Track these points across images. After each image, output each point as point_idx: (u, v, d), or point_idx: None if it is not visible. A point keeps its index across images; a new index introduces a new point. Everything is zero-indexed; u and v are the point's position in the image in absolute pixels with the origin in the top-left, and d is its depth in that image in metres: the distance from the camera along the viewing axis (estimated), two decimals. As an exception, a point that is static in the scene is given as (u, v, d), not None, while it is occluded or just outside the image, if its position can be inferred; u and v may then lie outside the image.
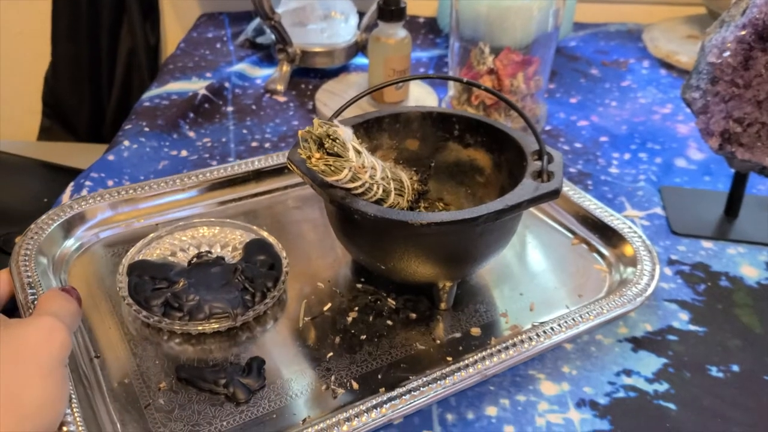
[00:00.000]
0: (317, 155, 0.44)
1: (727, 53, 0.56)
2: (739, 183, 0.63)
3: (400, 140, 0.59)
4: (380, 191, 0.48)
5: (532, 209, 0.64)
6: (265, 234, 0.57)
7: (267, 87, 0.85)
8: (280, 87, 0.85)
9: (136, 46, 1.05)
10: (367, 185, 0.46)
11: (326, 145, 0.44)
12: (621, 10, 1.10)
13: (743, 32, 0.55)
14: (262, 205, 0.64)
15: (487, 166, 0.57)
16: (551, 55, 0.73)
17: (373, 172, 0.47)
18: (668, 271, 0.58)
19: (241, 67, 0.90)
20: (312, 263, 0.57)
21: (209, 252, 0.55)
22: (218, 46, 0.98)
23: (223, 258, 0.54)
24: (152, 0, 1.05)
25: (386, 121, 0.58)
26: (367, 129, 0.57)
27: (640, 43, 1.00)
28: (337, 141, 0.44)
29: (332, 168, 0.44)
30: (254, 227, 0.58)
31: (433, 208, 0.59)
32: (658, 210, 0.65)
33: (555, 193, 0.47)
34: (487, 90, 0.52)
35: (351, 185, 0.45)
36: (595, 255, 0.59)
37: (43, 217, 0.56)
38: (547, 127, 0.79)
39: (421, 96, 0.82)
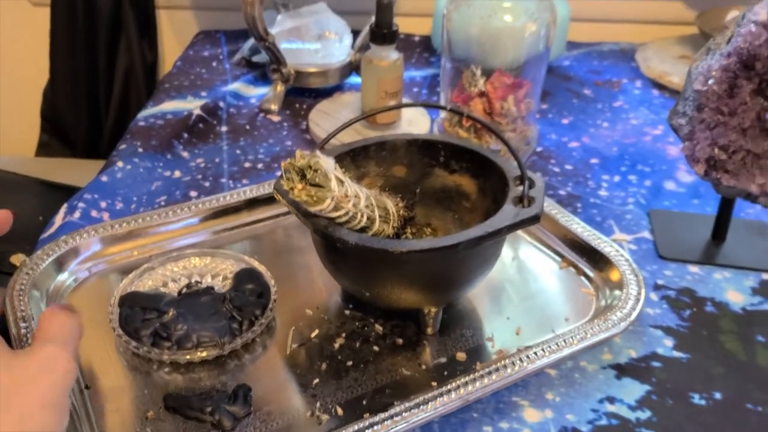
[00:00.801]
0: (299, 186, 0.44)
1: (713, 81, 0.57)
2: (725, 208, 0.63)
3: (387, 167, 0.59)
4: (364, 219, 0.48)
5: (520, 232, 0.65)
6: (255, 263, 0.58)
7: (261, 106, 0.86)
8: (274, 107, 0.85)
9: (134, 64, 1.06)
10: (350, 214, 0.47)
11: (308, 176, 0.44)
12: (615, 29, 1.11)
13: (728, 61, 0.56)
14: (254, 234, 0.64)
15: (472, 192, 0.58)
16: (542, 76, 0.74)
17: (356, 200, 0.47)
18: (654, 296, 0.58)
19: (236, 86, 0.91)
20: (301, 291, 0.58)
21: (199, 282, 0.55)
22: (214, 64, 0.99)
23: (212, 288, 0.55)
24: (149, 18, 1.06)
25: (372, 149, 0.58)
26: (354, 157, 0.58)
27: (633, 62, 1.01)
28: (319, 172, 0.44)
29: (314, 198, 0.45)
30: (244, 257, 0.58)
31: (421, 233, 0.60)
32: (646, 234, 0.66)
33: (535, 219, 0.48)
34: (469, 117, 0.53)
35: (334, 214, 0.46)
36: (583, 278, 0.60)
37: (38, 252, 0.57)
38: (539, 149, 0.80)
39: (414, 117, 0.82)
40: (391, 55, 0.75)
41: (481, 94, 0.73)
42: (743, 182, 0.58)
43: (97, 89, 1.05)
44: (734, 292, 0.59)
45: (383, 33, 0.74)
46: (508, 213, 0.48)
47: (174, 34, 1.16)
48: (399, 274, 0.48)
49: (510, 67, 0.72)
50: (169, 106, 0.86)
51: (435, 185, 0.60)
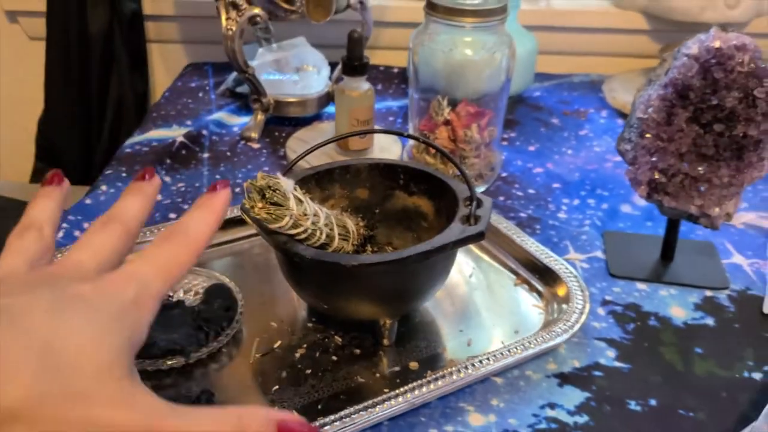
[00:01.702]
0: (260, 205, 0.48)
1: (652, 109, 0.61)
2: (672, 229, 0.67)
3: (350, 190, 0.63)
4: (323, 237, 0.52)
5: (479, 251, 0.68)
6: (225, 279, 0.61)
7: (242, 134, 0.91)
8: (254, 135, 0.90)
9: (125, 95, 1.11)
10: (309, 231, 0.50)
11: (267, 196, 0.48)
12: (587, 62, 1.16)
13: (665, 91, 0.60)
14: (228, 253, 0.68)
15: (430, 212, 0.62)
16: (504, 105, 0.78)
17: (315, 219, 0.51)
18: (601, 310, 0.62)
19: (220, 115, 0.96)
20: (268, 305, 0.61)
21: (170, 296, 0.59)
22: (200, 95, 1.03)
23: (183, 301, 0.58)
24: (141, 51, 1.11)
25: (337, 172, 0.62)
26: (319, 180, 0.62)
27: (601, 93, 1.05)
28: (277, 192, 0.48)
29: (274, 216, 0.48)
30: (216, 273, 0.62)
31: (382, 252, 0.64)
32: (599, 253, 0.70)
33: (479, 236, 0.52)
34: (425, 142, 0.57)
35: (293, 231, 0.50)
36: (535, 294, 0.63)
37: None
38: (504, 174, 0.84)
39: (386, 144, 0.87)
40: (362, 85, 0.80)
41: (447, 122, 0.77)
42: (683, 204, 0.62)
43: (90, 119, 1.10)
44: (677, 308, 0.62)
45: (354, 65, 0.78)
46: (455, 230, 0.52)
47: (164, 66, 1.21)
48: (353, 287, 0.52)
49: (473, 97, 0.76)
50: (156, 134, 0.91)
51: (396, 206, 0.64)
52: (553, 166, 0.86)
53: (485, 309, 0.61)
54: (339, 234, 0.54)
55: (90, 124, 1.10)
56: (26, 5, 1.13)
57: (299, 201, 0.50)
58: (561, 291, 0.61)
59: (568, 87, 1.09)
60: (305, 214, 0.50)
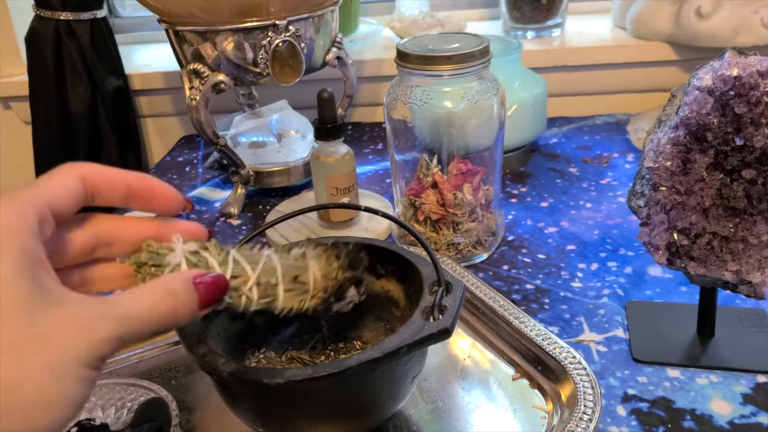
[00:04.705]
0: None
1: (663, 156, 0.50)
2: (707, 297, 0.55)
3: (311, 273, 0.53)
4: (253, 299, 0.40)
5: (471, 335, 0.57)
6: (163, 392, 0.52)
7: (222, 211, 0.83)
8: (234, 210, 0.82)
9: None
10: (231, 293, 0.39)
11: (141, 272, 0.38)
12: (609, 101, 1.05)
13: (677, 133, 0.49)
14: (175, 356, 0.59)
15: (400, 298, 0.51)
16: (499, 160, 0.68)
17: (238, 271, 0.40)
18: (622, 410, 0.49)
19: (201, 190, 0.89)
20: (210, 421, 0.51)
21: (91, 420, 0.50)
22: (188, 169, 0.97)
23: (107, 425, 0.49)
24: (130, 128, 1.06)
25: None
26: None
27: (627, 135, 0.94)
28: (160, 254, 0.38)
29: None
30: (153, 385, 0.53)
31: (351, 347, 0.53)
32: (620, 332, 0.57)
33: (442, 334, 0.41)
34: (391, 218, 0.47)
35: None
36: (537, 392, 0.51)
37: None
38: (510, 237, 0.73)
39: (376, 211, 0.77)
40: (339, 149, 0.71)
41: (435, 184, 0.67)
42: (714, 270, 0.49)
43: (80, 202, 1.05)
44: (721, 401, 0.49)
45: (327, 128, 0.70)
46: (411, 328, 0.42)
47: (161, 140, 1.16)
48: (287, 408, 0.42)
49: (463, 153, 0.66)
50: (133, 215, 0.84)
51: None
52: (569, 223, 0.75)
53: (478, 412, 0.50)
54: (288, 289, 0.41)
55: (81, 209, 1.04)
56: (17, 90, 1.10)
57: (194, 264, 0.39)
58: (566, 390, 0.49)
59: (589, 130, 0.98)
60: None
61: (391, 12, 1.17)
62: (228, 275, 0.38)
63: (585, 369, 0.50)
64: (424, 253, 0.50)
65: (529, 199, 0.80)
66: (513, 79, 0.84)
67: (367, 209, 0.50)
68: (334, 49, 0.79)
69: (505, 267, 0.68)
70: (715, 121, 0.47)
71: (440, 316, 0.42)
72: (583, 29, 1.09)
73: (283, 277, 0.41)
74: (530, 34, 1.07)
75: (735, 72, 0.46)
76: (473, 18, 1.19)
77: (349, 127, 1.04)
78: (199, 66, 0.73)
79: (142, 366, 0.58)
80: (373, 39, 1.12)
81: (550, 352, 0.52)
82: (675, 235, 0.50)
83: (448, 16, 1.12)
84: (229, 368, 0.40)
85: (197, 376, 0.56)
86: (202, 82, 0.74)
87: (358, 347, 0.53)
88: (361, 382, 0.41)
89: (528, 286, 0.64)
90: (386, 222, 0.75)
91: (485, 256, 0.69)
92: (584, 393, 0.48)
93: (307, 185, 0.88)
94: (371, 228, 0.74)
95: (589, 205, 0.78)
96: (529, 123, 0.86)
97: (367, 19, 1.17)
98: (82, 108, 0.99)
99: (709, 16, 0.93)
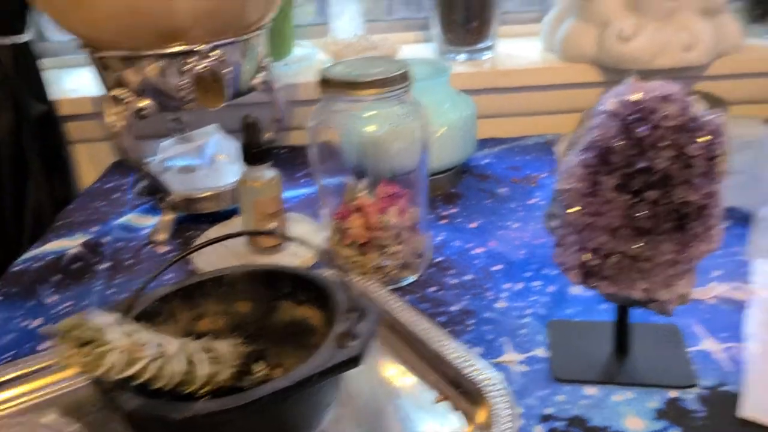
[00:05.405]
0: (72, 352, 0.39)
1: (574, 178, 0.51)
2: (621, 316, 0.56)
3: (228, 304, 0.53)
4: (177, 370, 0.42)
5: (393, 359, 0.57)
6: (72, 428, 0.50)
7: (150, 238, 0.81)
8: (161, 237, 0.80)
9: (42, 202, 1.02)
10: (149, 366, 0.40)
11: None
12: (539, 122, 1.07)
13: (586, 155, 0.50)
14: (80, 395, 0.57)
15: (320, 325, 0.51)
16: (424, 183, 0.69)
17: (160, 349, 0.41)
18: (540, 430, 0.50)
19: (129, 217, 0.87)
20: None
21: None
22: (116, 195, 0.95)
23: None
24: (59, 154, 1.04)
25: (209, 284, 0.53)
26: (186, 297, 0.52)
27: (554, 155, 0.96)
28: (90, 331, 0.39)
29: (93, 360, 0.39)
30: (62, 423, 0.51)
31: (272, 376, 0.53)
32: (541, 351, 0.58)
33: (351, 363, 0.41)
34: (258, 232, 0.47)
35: (130, 371, 0.40)
36: (460, 414, 0.52)
37: None
38: (438, 259, 0.73)
39: (307, 235, 0.77)
40: (265, 174, 0.71)
41: (358, 209, 0.67)
42: (624, 289, 0.51)
43: (5, 232, 1.01)
44: (634, 418, 0.50)
45: (253, 152, 0.69)
46: (322, 356, 0.41)
47: (93, 165, 1.13)
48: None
49: (388, 176, 0.67)
50: (53, 246, 0.81)
51: (284, 319, 0.53)
52: (496, 243, 0.76)
53: (397, 439, 0.50)
54: (201, 360, 0.44)
55: (5, 237, 1.01)
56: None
57: (127, 335, 0.40)
58: (482, 412, 0.49)
59: (520, 151, 1.00)
60: (141, 345, 0.40)
61: (326, 35, 1.17)
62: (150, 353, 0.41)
63: (503, 390, 0.50)
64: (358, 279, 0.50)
65: (459, 220, 0.81)
66: (442, 102, 0.85)
67: (240, 233, 0.50)
68: (261, 74, 0.79)
69: (432, 289, 0.68)
70: (619, 144, 0.48)
71: (352, 344, 0.42)
72: (514, 52, 1.11)
73: (193, 352, 0.44)
74: (462, 56, 1.09)
75: (637, 96, 0.48)
76: (408, 41, 1.21)
77: (283, 150, 1.04)
78: (120, 92, 0.72)
79: (56, 401, 0.56)
80: (308, 62, 1.12)
81: (467, 375, 0.52)
82: (587, 256, 0.51)
83: (382, 39, 1.13)
84: (134, 404, 0.39)
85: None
86: (125, 108, 0.72)
87: (278, 375, 0.53)
88: (272, 412, 0.41)
89: (453, 309, 0.65)
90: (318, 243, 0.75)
91: (413, 278, 0.69)
92: (500, 415, 0.48)
93: (238, 210, 0.87)
94: (299, 254, 0.73)
95: (516, 225, 0.79)
96: (459, 144, 0.87)
97: (302, 42, 1.17)
98: (5, 134, 0.96)
99: (630, 39, 0.96)
